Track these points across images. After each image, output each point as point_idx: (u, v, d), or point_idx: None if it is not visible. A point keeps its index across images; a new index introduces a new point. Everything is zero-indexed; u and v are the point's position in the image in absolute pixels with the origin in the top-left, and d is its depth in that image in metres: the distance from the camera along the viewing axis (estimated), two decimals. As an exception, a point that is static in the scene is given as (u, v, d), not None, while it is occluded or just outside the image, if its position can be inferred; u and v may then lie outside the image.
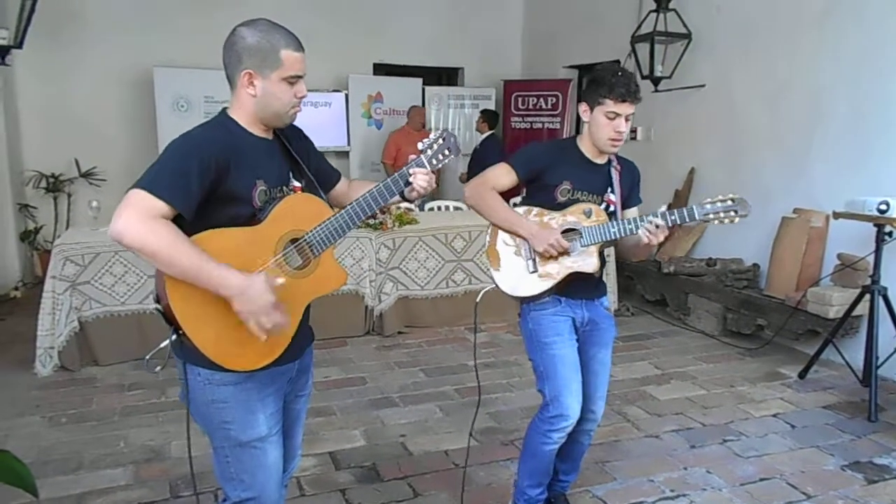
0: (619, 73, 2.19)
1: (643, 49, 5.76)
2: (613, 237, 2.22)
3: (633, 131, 6.40)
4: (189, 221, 1.50)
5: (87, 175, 6.43)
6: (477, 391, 2.78)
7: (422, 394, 3.79)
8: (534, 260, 2.29)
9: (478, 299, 2.43)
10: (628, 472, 2.95)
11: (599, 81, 2.19)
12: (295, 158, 1.76)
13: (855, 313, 3.93)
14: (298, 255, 1.68)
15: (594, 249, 2.26)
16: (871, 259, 3.75)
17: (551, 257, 2.25)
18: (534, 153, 2.37)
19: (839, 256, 4.24)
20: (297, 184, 1.74)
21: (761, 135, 5.08)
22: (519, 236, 2.30)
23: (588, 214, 2.26)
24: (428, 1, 7.82)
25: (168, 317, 1.52)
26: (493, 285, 2.37)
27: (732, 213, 2.16)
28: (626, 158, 2.44)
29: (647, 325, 5.20)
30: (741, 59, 5.23)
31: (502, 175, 2.29)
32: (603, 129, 2.21)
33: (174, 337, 1.54)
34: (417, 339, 4.75)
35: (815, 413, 3.61)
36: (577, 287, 2.29)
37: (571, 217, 2.27)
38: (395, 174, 1.79)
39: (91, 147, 6.49)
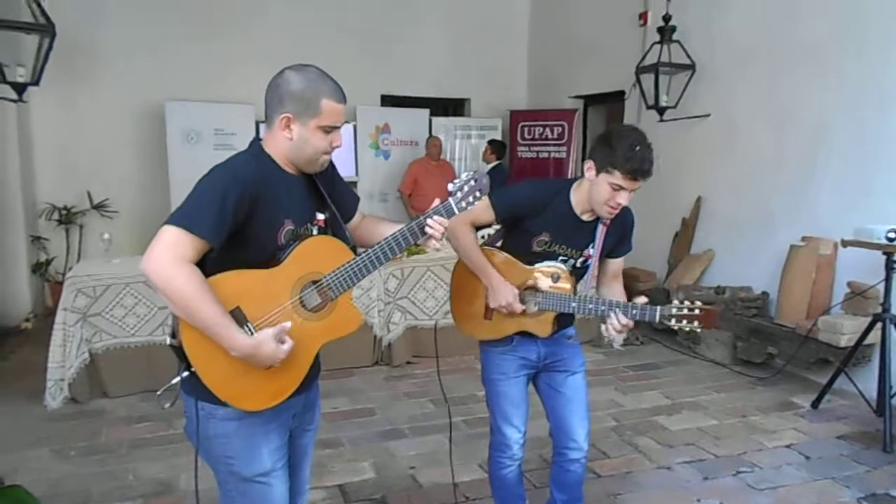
0: (637, 147, 2.05)
1: (648, 80, 5.82)
2: (571, 311, 2.21)
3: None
4: (214, 256, 1.52)
5: (98, 207, 6.51)
6: (482, 423, 2.76)
7: (430, 425, 3.77)
8: (490, 308, 2.29)
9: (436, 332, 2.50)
10: (641, 504, 2.92)
11: (614, 148, 2.06)
12: (321, 193, 1.77)
13: (867, 342, 3.90)
14: (318, 296, 1.68)
15: (550, 315, 2.23)
16: (881, 287, 3.74)
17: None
18: (518, 197, 2.26)
19: (850, 284, 4.22)
20: (320, 216, 1.75)
21: (766, 163, 5.10)
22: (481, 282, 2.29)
23: (555, 279, 2.23)
24: (434, 33, 7.96)
25: (181, 353, 1.53)
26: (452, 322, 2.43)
27: (696, 322, 2.09)
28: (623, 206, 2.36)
29: (657, 355, 5.17)
30: (744, 89, 5.28)
31: (482, 211, 2.20)
32: (603, 196, 2.12)
33: (185, 374, 1.55)
34: (426, 368, 4.73)
35: (829, 443, 3.57)
36: None
37: (537, 275, 2.24)
38: (414, 223, 1.76)
39: (103, 180, 6.59)
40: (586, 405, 2.42)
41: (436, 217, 1.76)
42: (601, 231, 2.25)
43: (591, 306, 2.18)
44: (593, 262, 2.28)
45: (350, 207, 1.92)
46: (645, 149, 2.07)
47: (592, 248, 2.27)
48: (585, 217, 2.24)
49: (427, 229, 1.75)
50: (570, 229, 2.24)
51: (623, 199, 2.11)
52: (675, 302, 2.12)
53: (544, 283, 2.24)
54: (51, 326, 4.06)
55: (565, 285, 2.23)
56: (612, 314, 2.14)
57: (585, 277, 2.32)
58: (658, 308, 2.10)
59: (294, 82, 1.61)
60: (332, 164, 1.86)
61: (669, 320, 2.10)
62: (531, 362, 2.36)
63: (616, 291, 2.38)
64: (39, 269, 6.21)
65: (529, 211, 2.23)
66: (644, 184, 2.11)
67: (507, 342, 2.33)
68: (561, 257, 2.26)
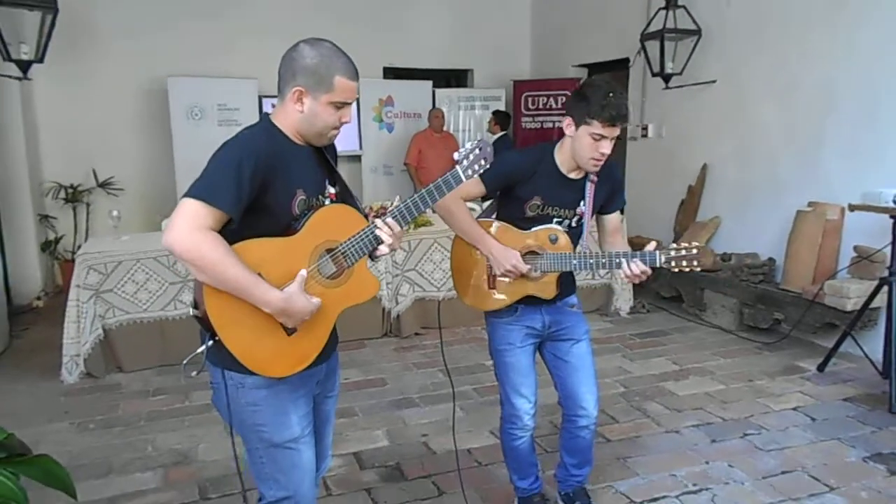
0: (611, 94, 2.09)
1: (653, 46, 5.77)
2: (573, 268, 2.22)
3: (645, 129, 6.42)
4: (233, 228, 1.54)
5: (104, 185, 6.53)
6: (492, 391, 2.80)
7: (441, 394, 3.83)
8: (491, 277, 2.31)
9: (440, 304, 2.46)
10: (650, 467, 2.97)
11: (588, 99, 2.10)
12: (330, 165, 1.80)
13: (873, 305, 3.93)
14: (333, 265, 1.70)
15: (553, 277, 2.25)
16: (888, 251, 3.75)
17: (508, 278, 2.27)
18: (506, 166, 2.27)
19: (856, 248, 4.24)
20: (332, 189, 1.78)
21: (773, 129, 5.08)
22: (480, 252, 2.30)
23: (553, 241, 2.25)
24: (436, 4, 7.87)
25: (205, 323, 1.56)
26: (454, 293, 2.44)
27: (695, 262, 2.12)
28: (608, 162, 2.36)
29: (664, 322, 5.21)
30: (751, 54, 5.23)
31: (472, 185, 2.23)
32: (586, 149, 2.15)
33: (210, 343, 1.58)
34: (434, 339, 4.78)
35: (835, 405, 3.62)
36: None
37: (535, 240, 2.26)
38: (431, 187, 1.77)
39: (108, 157, 6.60)
40: (594, 372, 2.45)
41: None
42: (590, 188, 2.28)
43: (591, 261, 2.20)
44: (587, 219, 2.31)
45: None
46: (618, 95, 2.12)
47: (584, 205, 2.29)
48: (573, 175, 2.28)
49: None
50: (559, 189, 2.27)
51: (605, 147, 2.15)
52: (673, 245, 2.16)
53: (545, 245, 2.26)
54: (62, 304, 4.11)
55: (564, 246, 2.25)
56: (624, 263, 2.16)
57: (583, 236, 2.34)
58: (658, 252, 2.13)
59: (308, 56, 1.61)
60: (335, 148, 1.88)
61: (669, 263, 2.13)
62: (536, 331, 2.39)
63: (619, 246, 2.40)
64: (48, 247, 6.26)
65: (518, 177, 2.27)
66: (619, 131, 2.15)
67: (511, 311, 2.36)
68: (556, 219, 2.29)
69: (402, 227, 1.76)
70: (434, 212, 2.17)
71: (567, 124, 2.21)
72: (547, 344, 2.45)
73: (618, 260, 2.18)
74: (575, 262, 2.22)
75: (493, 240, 2.26)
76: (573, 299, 2.45)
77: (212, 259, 1.47)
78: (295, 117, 1.65)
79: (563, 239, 2.26)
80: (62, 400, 3.80)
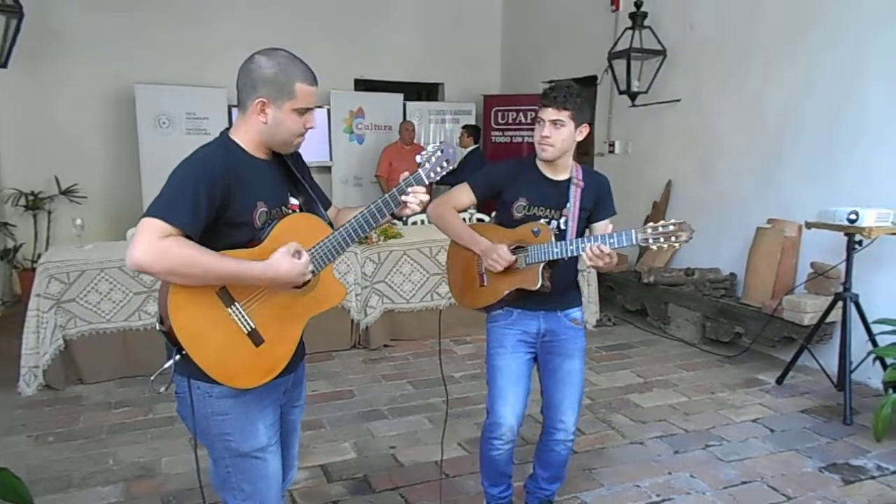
0: (556, 82, 2.34)
1: (620, 65, 5.90)
2: (555, 256, 2.25)
3: (612, 145, 6.55)
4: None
5: (67, 192, 6.40)
6: (461, 402, 2.83)
7: (410, 406, 3.83)
8: (481, 274, 2.40)
9: (441, 310, 2.50)
10: (615, 478, 3.02)
11: (542, 94, 2.32)
12: (294, 176, 1.81)
13: (828, 320, 4.05)
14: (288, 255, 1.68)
15: (538, 268, 2.29)
16: (842, 267, 3.88)
17: (499, 273, 2.32)
18: (492, 172, 2.50)
19: (812, 265, 4.37)
20: (294, 201, 1.80)
21: (735, 148, 5.23)
22: (472, 252, 2.40)
23: (536, 233, 2.31)
24: (408, 17, 7.94)
25: (171, 337, 1.55)
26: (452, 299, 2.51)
27: (673, 239, 2.09)
28: (596, 172, 2.53)
29: (629, 335, 5.30)
30: (715, 75, 5.39)
31: (462, 194, 2.43)
32: (536, 133, 2.33)
33: (177, 357, 1.57)
34: (403, 351, 4.79)
35: (793, 417, 3.72)
36: (535, 299, 2.34)
37: (519, 235, 2.34)
38: (393, 190, 1.79)
39: (72, 164, 6.47)
40: (580, 390, 2.48)
41: (412, 188, 1.78)
42: (574, 191, 2.37)
43: (571, 247, 2.21)
44: (572, 220, 2.35)
45: (324, 201, 1.94)
46: (561, 84, 2.30)
47: (569, 206, 2.37)
48: (556, 177, 2.39)
49: (405, 197, 1.76)
50: (543, 190, 2.38)
51: (544, 130, 2.28)
52: (650, 224, 2.14)
53: (527, 238, 2.32)
54: (21, 314, 4.02)
55: (547, 237, 2.30)
56: (588, 245, 2.16)
57: (568, 234, 2.35)
58: (633, 230, 2.13)
59: (266, 67, 1.63)
60: (304, 162, 1.89)
61: (646, 241, 2.12)
62: (531, 336, 2.42)
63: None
64: (7, 255, 6.10)
65: (504, 181, 2.41)
66: (562, 116, 2.25)
67: (507, 315, 2.41)
68: (542, 219, 2.36)
69: (384, 218, 1.79)
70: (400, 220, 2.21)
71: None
72: (540, 354, 2.47)
73: (582, 245, 2.18)
74: (556, 249, 2.25)
75: (482, 238, 2.38)
76: (577, 314, 2.48)
77: (186, 255, 1.46)
78: (258, 128, 1.67)
79: (545, 231, 2.31)
80: (19, 412, 3.70)
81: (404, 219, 1.90)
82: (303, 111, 1.68)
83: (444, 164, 1.84)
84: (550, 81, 7.59)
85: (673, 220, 2.11)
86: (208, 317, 1.56)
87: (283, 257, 1.59)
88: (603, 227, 2.43)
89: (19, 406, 3.78)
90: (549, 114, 2.27)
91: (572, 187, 2.37)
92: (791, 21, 4.73)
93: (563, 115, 2.26)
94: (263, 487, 1.74)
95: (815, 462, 3.19)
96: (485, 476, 2.57)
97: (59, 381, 3.99)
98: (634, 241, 2.13)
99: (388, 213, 1.78)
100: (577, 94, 2.27)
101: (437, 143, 1.87)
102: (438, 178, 1.85)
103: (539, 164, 2.40)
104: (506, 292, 2.34)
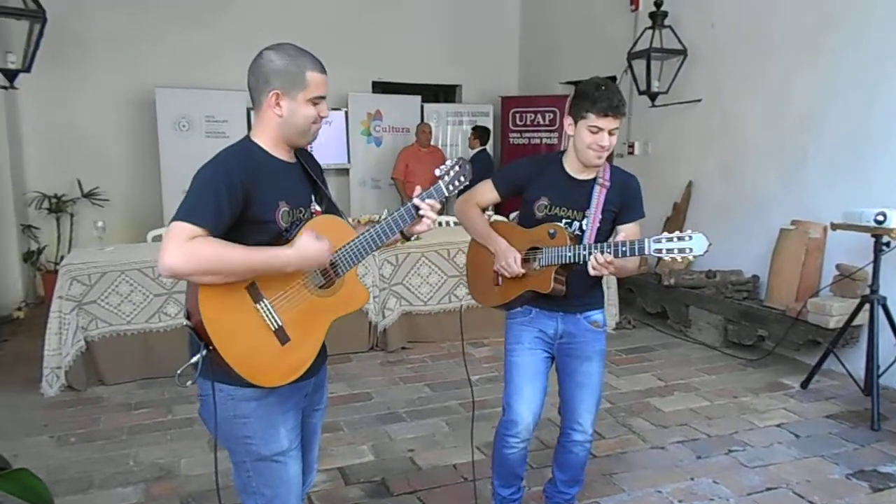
0: (603, 87, 2.17)
1: (640, 65, 5.85)
2: (568, 261, 2.20)
3: (631, 146, 6.48)
4: None
5: (89, 195, 6.48)
6: (479, 405, 2.80)
7: (428, 408, 3.81)
8: (497, 274, 2.38)
9: (462, 311, 2.46)
10: (636, 483, 2.98)
11: (583, 95, 2.20)
12: (316, 183, 1.82)
13: (855, 323, 3.97)
14: (321, 276, 1.72)
15: (551, 271, 2.25)
16: (869, 269, 3.80)
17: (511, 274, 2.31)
18: (514, 170, 2.47)
19: (838, 267, 4.29)
20: (317, 207, 1.80)
21: (758, 148, 5.15)
22: (489, 251, 2.39)
23: (552, 235, 2.27)
24: (425, 19, 7.94)
25: (199, 333, 1.55)
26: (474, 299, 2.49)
27: (687, 251, 2.01)
28: (625, 172, 2.40)
29: (649, 338, 5.23)
30: (736, 74, 5.31)
31: (486, 191, 2.42)
32: (586, 141, 2.21)
33: (204, 352, 1.57)
34: (421, 354, 4.77)
35: (819, 422, 3.64)
36: (553, 300, 2.31)
37: (535, 237, 2.32)
38: (409, 204, 1.82)
39: (93, 168, 6.56)
40: (598, 393, 2.45)
41: (428, 200, 1.82)
42: (598, 191, 2.30)
43: (584, 252, 2.16)
44: (591, 221, 2.29)
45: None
46: (611, 87, 2.19)
47: (591, 208, 2.31)
48: (581, 176, 2.33)
49: (421, 211, 1.81)
50: (566, 190, 2.32)
51: (605, 140, 2.19)
52: (664, 234, 2.07)
53: (544, 240, 2.29)
54: (44, 315, 4.06)
55: (563, 239, 2.25)
56: (594, 254, 2.12)
57: (585, 236, 2.29)
58: (647, 240, 2.08)
59: (276, 60, 1.66)
60: (323, 176, 1.89)
61: (660, 252, 2.06)
62: (548, 336, 2.40)
63: (631, 259, 2.25)
64: (31, 258, 6.18)
65: (527, 179, 2.37)
66: (634, 121, 2.23)
67: (526, 312, 2.41)
68: (564, 220, 2.32)
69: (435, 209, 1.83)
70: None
71: (568, 125, 2.28)
72: (559, 357, 2.45)
73: (588, 252, 2.14)
74: (569, 254, 2.20)
75: (500, 238, 2.36)
76: (598, 316, 2.43)
77: (214, 252, 1.48)
78: (275, 123, 1.68)
79: (561, 234, 2.27)
80: (42, 413, 3.73)
81: (412, 237, 1.91)
82: (317, 100, 1.69)
83: (461, 178, 1.89)
84: (570, 82, 7.59)
85: (689, 231, 2.04)
86: (237, 312, 1.57)
87: (309, 239, 1.62)
88: (629, 230, 2.31)
89: (42, 407, 3.82)
90: (609, 123, 2.17)
91: (596, 187, 2.31)
92: (813, 19, 4.66)
93: (620, 123, 2.22)
94: (284, 492, 1.73)
95: (843, 469, 3.12)
96: (497, 475, 2.54)
97: (81, 382, 4.03)
98: (647, 252, 2.08)
99: (407, 222, 1.82)
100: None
101: (457, 159, 1.91)
102: (456, 191, 1.91)
103: (565, 162, 2.35)
104: (517, 294, 2.33)
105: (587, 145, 2.21)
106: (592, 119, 2.17)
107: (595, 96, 2.16)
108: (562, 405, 2.49)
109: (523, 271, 2.28)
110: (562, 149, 2.45)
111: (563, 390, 2.47)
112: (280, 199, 1.66)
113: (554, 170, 2.36)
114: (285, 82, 1.65)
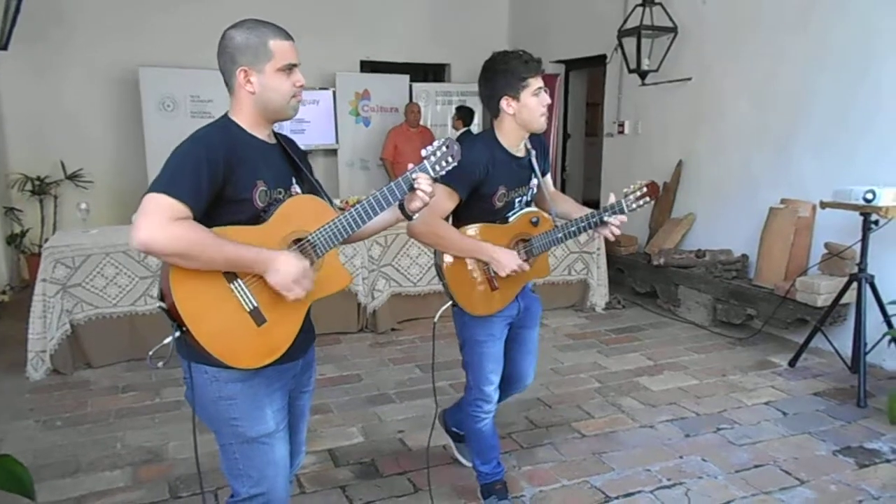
0: (520, 52, 2.22)
1: (630, 43, 5.79)
2: (561, 241, 2.26)
3: (621, 125, 6.45)
4: (197, 222, 1.51)
5: (73, 177, 6.38)
6: (460, 387, 2.79)
7: (417, 389, 3.81)
8: (491, 279, 2.32)
9: (436, 319, 2.34)
10: (625, 462, 2.99)
11: (509, 70, 2.20)
12: (297, 165, 1.78)
13: (843, 301, 3.99)
14: (302, 256, 1.68)
15: (544, 257, 2.32)
16: (857, 247, 3.81)
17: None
18: (469, 166, 2.17)
19: (826, 245, 4.30)
20: (297, 189, 1.76)
21: (747, 127, 5.13)
22: (480, 260, 2.31)
23: (535, 223, 2.29)
24: (414, -3, 7.82)
25: (172, 314, 1.52)
26: (451, 303, 2.38)
27: (647, 198, 2.25)
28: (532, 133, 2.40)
29: (638, 317, 5.24)
30: (726, 53, 5.27)
31: (445, 200, 2.23)
32: (535, 108, 2.23)
33: (178, 334, 1.54)
34: (411, 335, 4.76)
35: (806, 400, 3.67)
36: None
37: (520, 229, 2.32)
38: (399, 178, 1.78)
39: (77, 149, 6.45)
40: (537, 351, 2.66)
41: (421, 173, 1.79)
42: (534, 161, 2.37)
43: (573, 228, 2.26)
44: (537, 188, 2.41)
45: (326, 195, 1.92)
46: (522, 51, 2.25)
47: (534, 177, 2.38)
48: (519, 153, 2.34)
49: (414, 183, 1.78)
50: (514, 171, 2.33)
51: (547, 98, 2.26)
52: (625, 190, 2.25)
53: (529, 230, 2.32)
54: (28, 298, 4.00)
55: (546, 224, 2.30)
56: (608, 221, 2.25)
57: (531, 203, 2.43)
58: (622, 200, 2.25)
59: (237, 36, 1.64)
60: (305, 155, 1.87)
61: (632, 205, 2.24)
62: (513, 318, 2.46)
63: (569, 205, 2.50)
64: (14, 240, 6.10)
65: (484, 171, 2.25)
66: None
67: None
68: (517, 200, 2.34)
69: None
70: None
71: (507, 104, 2.24)
72: (513, 331, 2.50)
73: (593, 219, 2.26)
74: (560, 235, 2.25)
75: (490, 245, 2.27)
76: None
77: (197, 239, 1.45)
78: (249, 101, 1.65)
79: (543, 218, 2.31)
80: (28, 397, 3.70)
81: (413, 216, 1.86)
82: (287, 69, 1.65)
83: (449, 159, 1.84)
84: (560, 61, 7.52)
85: (641, 182, 2.24)
86: (210, 293, 1.53)
87: (291, 257, 1.59)
88: (549, 180, 2.52)
89: (27, 391, 3.78)
90: (540, 80, 2.25)
91: (532, 159, 2.37)
92: (806, -4, 4.62)
93: None
94: (271, 474, 1.72)
95: (829, 445, 3.14)
96: (475, 453, 2.59)
97: (67, 366, 3.99)
98: (626, 210, 2.25)
99: (397, 198, 1.78)
100: None
101: (444, 139, 1.86)
102: (443, 172, 1.84)
103: (503, 141, 2.30)
104: (519, 289, 2.36)
105: (538, 111, 2.24)
106: (533, 83, 2.20)
107: (522, 63, 2.19)
108: (509, 373, 2.54)
109: (529, 267, 2.30)
110: (555, 130, 2.48)
111: (512, 360, 2.53)
112: (257, 178, 1.62)
113: (498, 154, 2.28)
114: (250, 57, 1.62)
